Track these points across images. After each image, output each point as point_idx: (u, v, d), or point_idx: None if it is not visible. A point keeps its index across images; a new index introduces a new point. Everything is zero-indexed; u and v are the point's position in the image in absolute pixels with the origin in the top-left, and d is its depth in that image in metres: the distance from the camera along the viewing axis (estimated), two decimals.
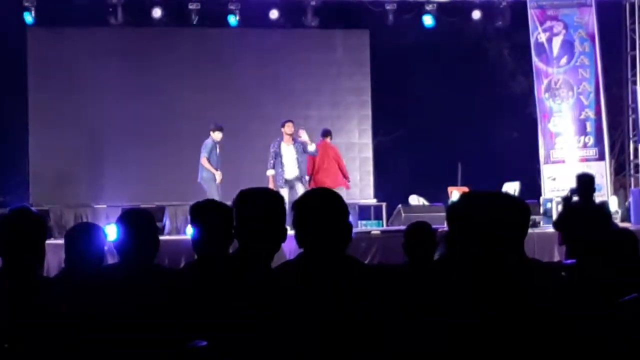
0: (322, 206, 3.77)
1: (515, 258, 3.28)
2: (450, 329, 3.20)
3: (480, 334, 3.18)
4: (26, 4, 16.29)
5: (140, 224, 4.74)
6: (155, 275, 4.62)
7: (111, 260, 5.89)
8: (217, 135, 15.18)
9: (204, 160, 15.12)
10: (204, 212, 4.68)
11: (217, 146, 15.20)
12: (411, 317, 3.35)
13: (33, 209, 4.42)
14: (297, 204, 3.78)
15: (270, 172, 15.12)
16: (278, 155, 15.12)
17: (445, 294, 3.29)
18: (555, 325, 3.18)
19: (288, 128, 15.19)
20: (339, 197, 3.83)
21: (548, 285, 3.33)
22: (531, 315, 3.19)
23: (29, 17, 16.45)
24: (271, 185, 14.66)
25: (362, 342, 3.55)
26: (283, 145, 15.19)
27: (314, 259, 3.70)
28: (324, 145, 15.87)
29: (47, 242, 4.34)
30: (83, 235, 5.24)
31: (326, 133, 16.07)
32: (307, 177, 15.57)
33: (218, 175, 14.99)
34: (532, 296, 3.23)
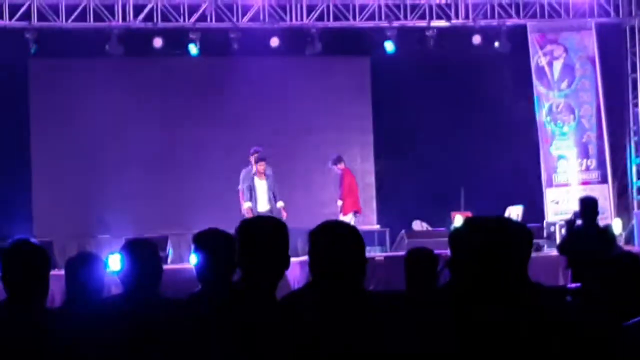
0: (339, 239, 3.78)
1: (519, 282, 3.27)
2: (458, 351, 3.20)
3: (486, 357, 3.17)
4: (28, 36, 16.33)
5: (144, 254, 4.75)
6: (159, 305, 4.61)
7: (115, 290, 5.89)
8: (253, 160, 15.55)
9: (240, 194, 15.55)
10: (207, 241, 4.67)
11: (264, 173, 15.57)
12: (418, 342, 3.34)
13: (36, 240, 4.41)
14: (313, 235, 3.79)
15: (247, 205, 15.41)
16: (252, 189, 15.53)
17: (451, 319, 3.28)
18: (561, 349, 3.17)
19: (261, 167, 15.55)
20: (354, 230, 3.85)
21: (553, 308, 3.32)
22: (536, 338, 3.18)
23: (30, 49, 16.48)
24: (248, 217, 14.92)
25: None
26: (256, 179, 15.64)
27: (329, 290, 3.69)
28: (347, 172, 16.63)
29: (52, 273, 4.33)
30: (82, 265, 5.25)
31: (340, 160, 16.55)
32: (339, 202, 16.42)
33: (245, 207, 15.40)
34: (537, 320, 3.22)
